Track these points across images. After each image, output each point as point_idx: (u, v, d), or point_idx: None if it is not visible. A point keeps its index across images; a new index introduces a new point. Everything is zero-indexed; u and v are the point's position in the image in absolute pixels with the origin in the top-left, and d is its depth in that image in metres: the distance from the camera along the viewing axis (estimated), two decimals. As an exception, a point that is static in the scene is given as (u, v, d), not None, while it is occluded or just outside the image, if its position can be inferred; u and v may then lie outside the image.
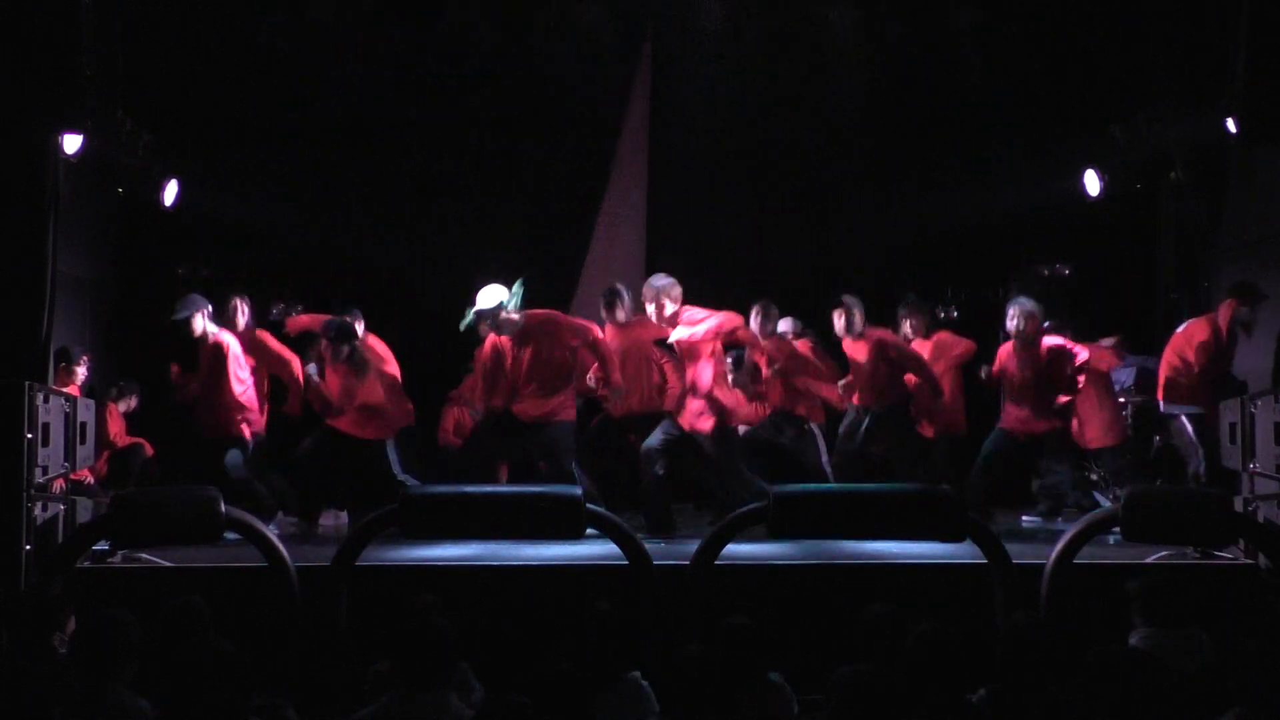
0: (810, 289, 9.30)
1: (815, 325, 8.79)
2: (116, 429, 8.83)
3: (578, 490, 4.97)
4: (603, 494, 7.50)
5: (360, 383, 7.87)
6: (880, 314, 8.60)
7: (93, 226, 9.09)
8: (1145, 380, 8.76)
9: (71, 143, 7.02)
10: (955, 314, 9.89)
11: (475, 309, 7.44)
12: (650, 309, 7.57)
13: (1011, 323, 8.06)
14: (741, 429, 8.27)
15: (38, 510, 6.15)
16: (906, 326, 8.61)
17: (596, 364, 7.76)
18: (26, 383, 6.06)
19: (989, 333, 8.94)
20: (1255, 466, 6.65)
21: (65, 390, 7.10)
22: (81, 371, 8.22)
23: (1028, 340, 8.05)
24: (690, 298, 7.66)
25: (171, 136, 8.86)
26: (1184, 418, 7.86)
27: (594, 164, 10.32)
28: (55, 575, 5.15)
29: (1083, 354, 8.05)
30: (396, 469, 8.31)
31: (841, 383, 8.25)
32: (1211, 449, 7.34)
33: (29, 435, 6.03)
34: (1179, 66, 8.47)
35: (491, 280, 7.50)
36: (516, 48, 9.71)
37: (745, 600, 4.91)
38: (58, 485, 6.74)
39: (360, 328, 8.26)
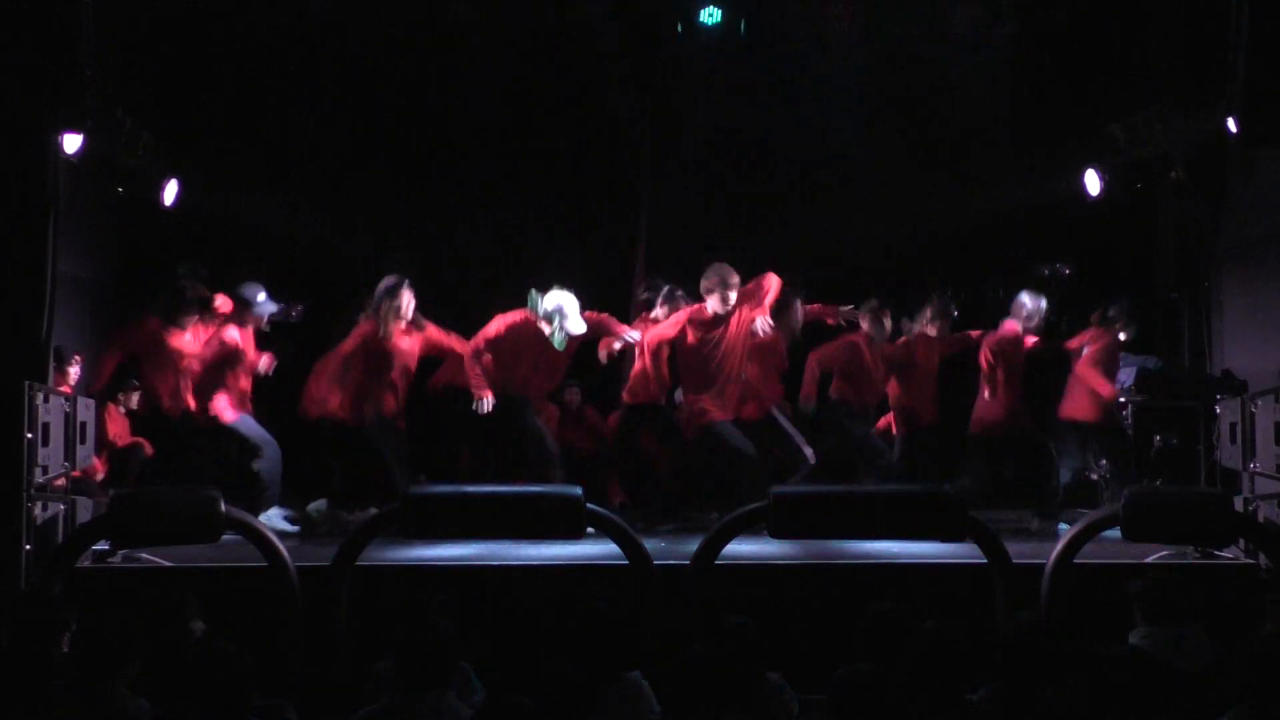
0: (809, 290, 9.27)
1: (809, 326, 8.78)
2: (116, 429, 8.81)
3: (578, 490, 4.98)
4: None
5: None
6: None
7: (93, 226, 9.07)
8: (1145, 380, 8.76)
9: (71, 143, 7.02)
10: (956, 314, 9.85)
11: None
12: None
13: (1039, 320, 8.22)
14: None
15: (38, 510, 6.16)
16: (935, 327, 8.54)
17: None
18: (26, 383, 6.07)
19: (988, 332, 8.90)
20: (1255, 466, 6.66)
21: (60, 390, 7.09)
22: (74, 371, 8.20)
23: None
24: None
25: (171, 136, 8.84)
26: None
27: (598, 159, 10.25)
28: (55, 575, 5.15)
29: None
30: None
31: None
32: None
33: (29, 435, 6.04)
34: (1179, 66, 8.47)
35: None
36: (519, 39, 9.66)
37: (745, 600, 4.91)
38: (58, 485, 6.73)
39: None
